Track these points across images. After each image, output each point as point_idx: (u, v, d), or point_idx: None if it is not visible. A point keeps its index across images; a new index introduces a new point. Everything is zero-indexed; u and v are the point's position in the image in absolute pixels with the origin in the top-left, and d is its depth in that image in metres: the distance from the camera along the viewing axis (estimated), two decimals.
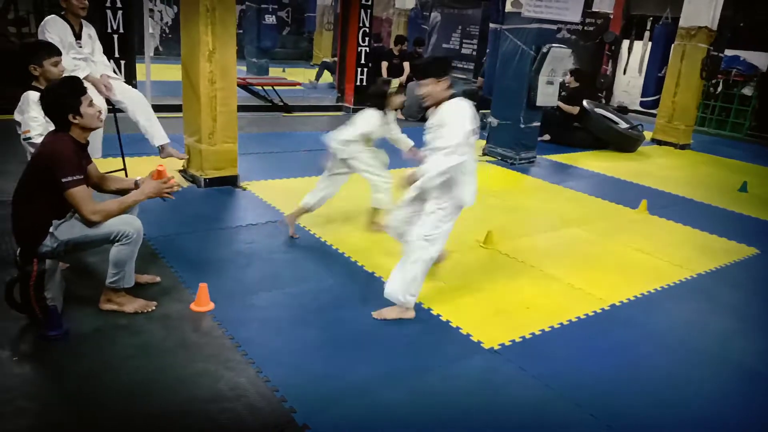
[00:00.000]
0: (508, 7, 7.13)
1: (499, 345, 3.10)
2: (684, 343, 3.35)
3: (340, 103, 10.30)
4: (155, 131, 4.67)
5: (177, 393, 2.53)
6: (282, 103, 9.48)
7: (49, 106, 2.84)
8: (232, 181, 5.38)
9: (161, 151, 4.78)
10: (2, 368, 2.59)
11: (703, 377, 3.05)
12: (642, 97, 10.76)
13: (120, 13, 7.20)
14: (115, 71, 6.99)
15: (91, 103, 2.89)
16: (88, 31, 4.34)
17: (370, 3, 9.66)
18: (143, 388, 2.55)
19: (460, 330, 3.22)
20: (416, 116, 9.75)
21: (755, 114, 11.15)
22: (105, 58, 4.53)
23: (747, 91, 11.24)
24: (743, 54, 11.28)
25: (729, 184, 7.29)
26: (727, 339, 3.44)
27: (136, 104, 4.57)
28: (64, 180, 2.74)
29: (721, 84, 11.40)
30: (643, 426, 2.59)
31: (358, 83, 9.94)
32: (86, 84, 3.12)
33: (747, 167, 8.55)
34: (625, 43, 12.78)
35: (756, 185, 7.23)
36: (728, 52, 11.28)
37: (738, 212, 6.09)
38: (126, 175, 4.94)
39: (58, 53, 3.46)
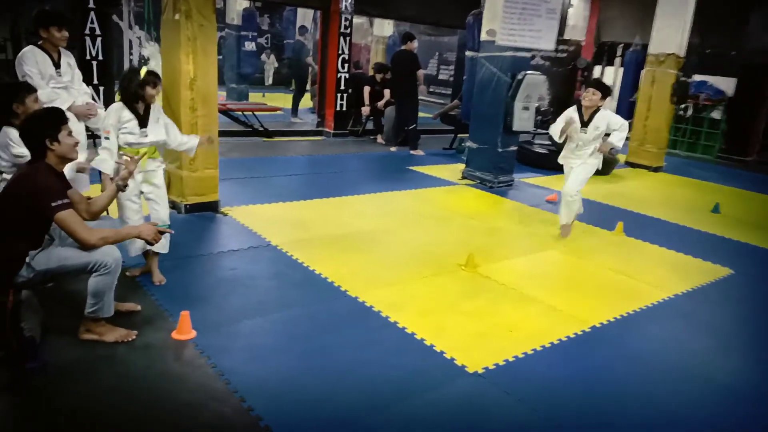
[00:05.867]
0: (484, 36, 7.29)
1: (483, 368, 3.12)
2: (663, 362, 3.40)
3: (320, 128, 10.36)
4: None
5: (161, 426, 2.50)
6: (262, 128, 9.51)
7: (28, 131, 2.81)
8: (213, 207, 5.37)
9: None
10: None
11: (683, 396, 3.09)
12: None
13: (99, 39, 7.21)
14: (93, 98, 6.99)
15: (70, 134, 2.88)
16: (67, 59, 4.32)
17: (349, 31, 9.82)
18: (125, 421, 2.51)
19: (443, 354, 3.24)
20: (394, 141, 9.85)
21: (725, 137, 11.48)
22: (84, 86, 4.50)
23: (716, 114, 11.58)
24: (710, 79, 11.66)
25: (702, 205, 7.46)
26: (704, 358, 3.51)
27: None
28: (53, 204, 2.69)
29: (691, 108, 11.74)
30: None
31: (338, 108, 10.03)
32: (68, 115, 3.10)
33: (718, 188, 8.76)
34: (597, 69, 13.13)
35: (728, 206, 7.40)
36: (696, 77, 11.67)
37: (711, 233, 6.22)
38: None
39: (35, 90, 3.48)
